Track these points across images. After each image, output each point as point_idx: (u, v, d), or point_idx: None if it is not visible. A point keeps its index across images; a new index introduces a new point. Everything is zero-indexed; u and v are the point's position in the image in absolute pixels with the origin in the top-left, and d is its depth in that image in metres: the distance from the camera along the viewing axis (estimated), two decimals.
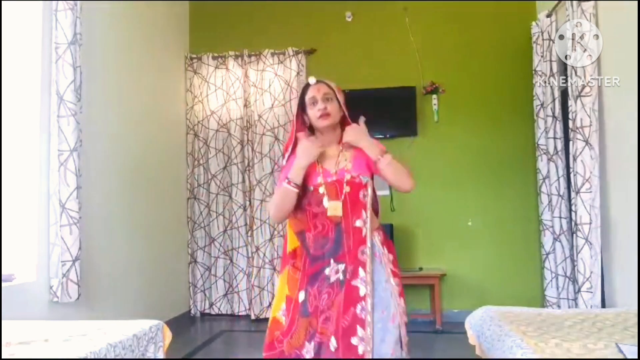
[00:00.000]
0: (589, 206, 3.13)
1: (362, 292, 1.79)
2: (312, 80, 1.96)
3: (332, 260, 1.83)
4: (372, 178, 1.95)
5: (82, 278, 2.91)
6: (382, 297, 1.82)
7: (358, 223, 1.85)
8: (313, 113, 1.93)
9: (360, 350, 1.74)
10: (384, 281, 1.84)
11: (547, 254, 4.02)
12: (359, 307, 1.77)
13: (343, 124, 1.99)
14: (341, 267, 1.82)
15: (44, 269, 2.84)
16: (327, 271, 1.83)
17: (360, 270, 1.81)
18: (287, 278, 1.93)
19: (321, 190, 1.88)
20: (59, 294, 2.82)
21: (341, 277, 1.81)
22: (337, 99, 1.95)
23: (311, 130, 2.01)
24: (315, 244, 1.88)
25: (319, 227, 1.88)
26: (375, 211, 1.99)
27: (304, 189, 1.92)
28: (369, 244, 1.84)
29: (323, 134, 1.97)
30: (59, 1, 2.91)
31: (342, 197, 1.85)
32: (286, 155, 2.01)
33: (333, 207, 1.85)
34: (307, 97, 1.95)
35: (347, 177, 1.88)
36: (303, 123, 2.01)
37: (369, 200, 1.89)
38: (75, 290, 2.86)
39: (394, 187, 1.95)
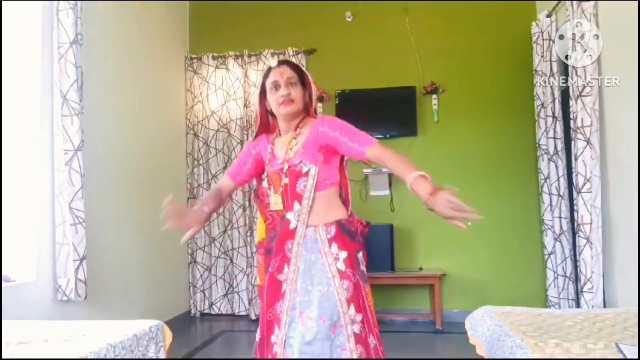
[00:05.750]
0: (590, 206, 3.13)
1: (282, 288, 1.69)
2: (273, 63, 1.76)
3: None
4: (327, 162, 1.73)
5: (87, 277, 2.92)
6: (311, 300, 1.63)
7: (288, 215, 1.72)
8: (275, 99, 1.72)
9: (274, 350, 1.66)
10: (324, 283, 1.65)
11: (549, 254, 4.01)
12: (277, 305, 1.68)
13: (307, 111, 1.79)
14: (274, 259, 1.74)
15: (45, 268, 2.84)
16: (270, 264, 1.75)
17: (285, 266, 1.70)
18: (258, 267, 1.90)
19: (265, 183, 1.79)
20: (67, 293, 2.83)
21: (270, 269, 1.74)
22: (303, 84, 1.75)
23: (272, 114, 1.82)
24: (268, 235, 1.81)
25: (269, 218, 1.80)
26: (345, 201, 1.80)
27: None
28: (298, 238, 1.69)
29: (284, 122, 1.77)
30: (60, 1, 2.91)
31: (281, 189, 1.72)
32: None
33: (274, 202, 1.75)
34: (269, 82, 1.73)
35: (286, 166, 1.71)
36: (266, 111, 1.82)
37: (307, 189, 1.69)
38: (84, 289, 2.87)
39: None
